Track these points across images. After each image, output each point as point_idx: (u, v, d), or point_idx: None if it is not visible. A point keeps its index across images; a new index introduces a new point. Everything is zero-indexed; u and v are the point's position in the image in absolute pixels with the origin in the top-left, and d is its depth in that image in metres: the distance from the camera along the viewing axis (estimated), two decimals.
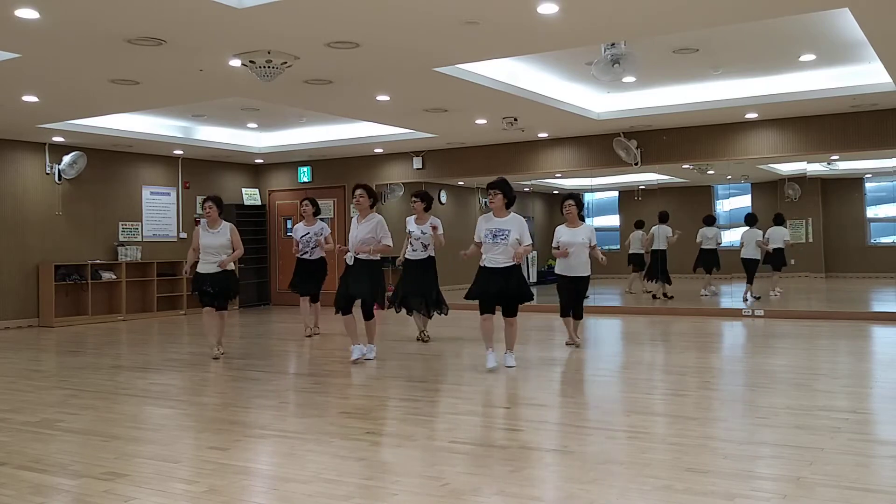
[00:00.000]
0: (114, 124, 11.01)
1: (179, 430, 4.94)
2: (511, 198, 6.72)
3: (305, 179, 14.45)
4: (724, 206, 14.22)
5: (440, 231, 8.23)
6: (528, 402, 5.64)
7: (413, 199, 8.55)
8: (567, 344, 7.99)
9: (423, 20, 6.00)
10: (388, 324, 9.85)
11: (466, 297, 6.79)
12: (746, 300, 11.93)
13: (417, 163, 13.40)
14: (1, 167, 11.20)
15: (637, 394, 5.82)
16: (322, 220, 9.60)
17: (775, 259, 12.38)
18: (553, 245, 7.83)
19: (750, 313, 10.78)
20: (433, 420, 5.08)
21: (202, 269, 7.63)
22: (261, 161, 14.40)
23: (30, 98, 8.58)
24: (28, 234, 11.46)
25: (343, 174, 13.91)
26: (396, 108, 9.72)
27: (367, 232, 7.21)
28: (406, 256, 8.46)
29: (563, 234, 7.77)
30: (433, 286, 8.38)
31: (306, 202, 9.27)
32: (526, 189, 14.63)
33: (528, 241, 6.64)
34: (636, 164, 11.61)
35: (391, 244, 7.31)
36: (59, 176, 11.77)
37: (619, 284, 14.18)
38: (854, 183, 13.63)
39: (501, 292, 6.60)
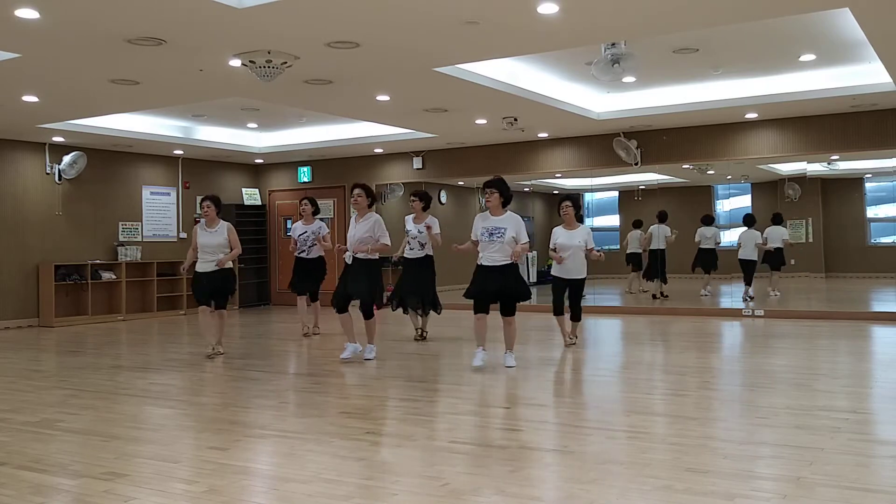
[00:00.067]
0: (114, 124, 11.01)
1: (179, 430, 4.94)
2: (507, 197, 6.73)
3: (305, 179, 14.45)
4: (724, 206, 14.22)
5: (434, 230, 8.28)
6: (528, 402, 5.64)
7: (412, 198, 8.61)
8: (567, 345, 7.99)
9: (423, 20, 6.00)
10: (388, 324, 9.85)
11: (465, 296, 6.81)
12: (746, 300, 11.94)
13: (417, 163, 13.40)
14: (1, 167, 11.20)
15: (637, 394, 5.82)
16: (322, 219, 9.62)
17: (774, 259, 12.37)
18: (550, 246, 7.87)
19: (750, 313, 10.77)
20: (433, 420, 5.08)
21: (200, 268, 7.69)
22: (261, 161, 14.40)
23: (30, 98, 8.58)
24: (28, 234, 11.46)
25: (343, 174, 13.90)
26: (396, 108, 9.72)
27: (364, 231, 7.23)
28: (405, 255, 8.52)
29: (559, 235, 7.81)
30: (430, 285, 8.44)
31: (305, 201, 9.30)
32: (526, 189, 14.64)
33: (524, 239, 6.65)
34: (636, 164, 11.61)
35: (389, 243, 7.33)
36: (59, 176, 11.77)
37: (619, 284, 14.18)
38: (854, 183, 13.63)
39: (499, 290, 6.61)
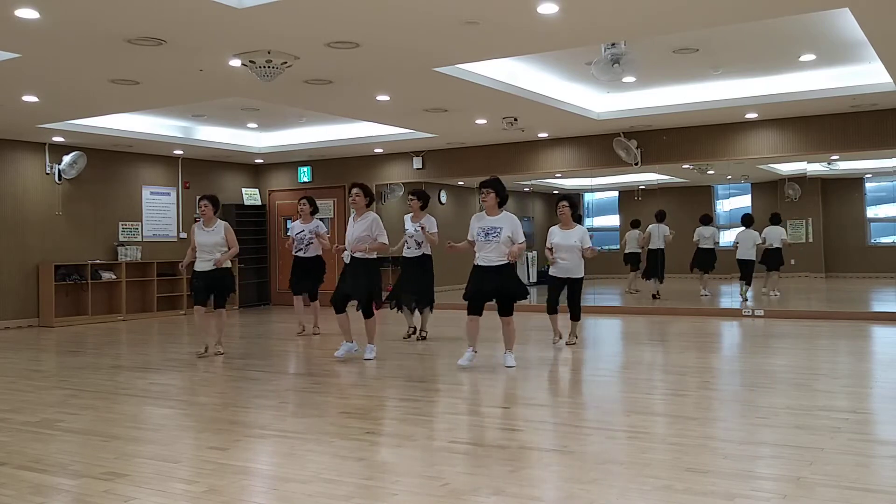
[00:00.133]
0: (114, 124, 11.01)
1: (179, 430, 4.94)
2: (504, 196, 6.74)
3: (305, 179, 14.44)
4: (724, 206, 14.21)
5: (429, 229, 8.33)
6: (528, 401, 5.64)
7: (410, 197, 8.66)
8: (569, 343, 7.99)
9: (423, 20, 6.00)
10: (388, 324, 9.85)
11: (464, 298, 6.81)
12: (745, 300, 11.94)
13: (417, 163, 13.40)
14: (1, 167, 11.20)
15: (637, 394, 5.82)
16: (321, 220, 9.64)
17: (772, 259, 12.36)
18: (546, 246, 7.93)
19: (750, 313, 10.77)
20: (433, 420, 5.08)
21: (198, 267, 7.76)
22: (261, 161, 14.40)
23: (30, 98, 8.58)
24: (28, 234, 11.46)
25: (343, 174, 13.90)
26: (396, 108, 9.72)
27: (362, 230, 7.25)
28: (403, 255, 8.57)
29: (555, 235, 7.88)
30: (426, 284, 8.48)
31: (304, 201, 9.33)
32: (526, 189, 14.64)
33: (521, 239, 6.66)
34: (636, 164, 11.61)
35: (387, 242, 7.34)
36: (59, 176, 11.77)
37: (619, 284, 14.17)
38: (854, 183, 13.62)
39: (495, 291, 6.63)
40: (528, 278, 15.56)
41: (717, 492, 3.37)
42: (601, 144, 11.83)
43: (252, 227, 14.55)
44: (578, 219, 8.40)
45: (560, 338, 8.04)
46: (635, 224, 13.59)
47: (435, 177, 13.55)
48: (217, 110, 10.77)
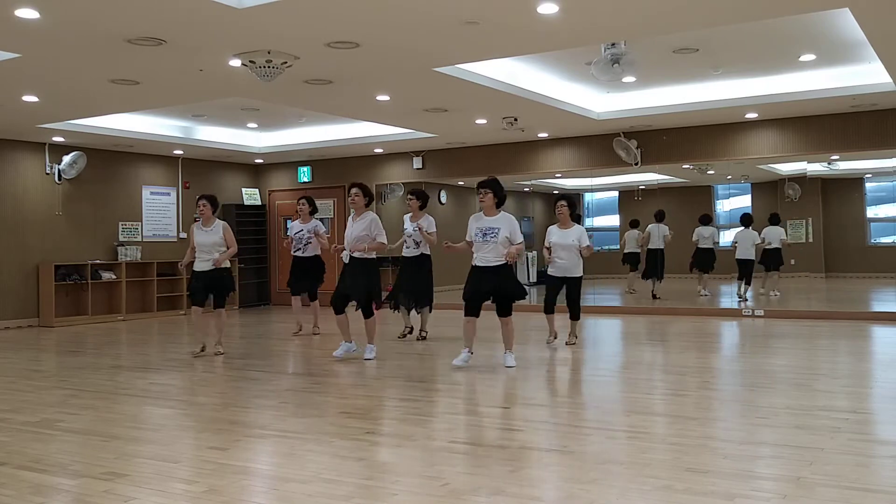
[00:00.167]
0: (114, 124, 11.01)
1: (179, 430, 4.94)
2: (501, 197, 6.74)
3: (305, 179, 14.44)
4: (724, 206, 14.21)
5: (427, 229, 8.34)
6: (528, 401, 5.64)
7: (409, 197, 8.65)
8: (568, 343, 7.99)
9: (423, 20, 6.00)
10: (388, 324, 9.85)
11: (463, 298, 6.81)
12: (745, 300, 11.94)
13: (417, 163, 13.40)
14: (1, 167, 11.20)
15: (637, 394, 5.82)
16: (321, 219, 9.65)
17: (771, 259, 12.36)
18: (545, 245, 7.95)
19: (750, 313, 10.77)
20: (433, 420, 5.08)
21: (197, 266, 7.79)
22: (261, 161, 14.40)
23: (30, 98, 8.58)
24: (28, 234, 11.46)
25: (343, 174, 13.90)
26: (396, 108, 9.72)
27: (361, 230, 7.26)
28: (402, 254, 8.58)
29: (553, 234, 7.90)
30: (425, 284, 8.49)
31: (303, 200, 9.33)
32: (526, 189, 14.63)
33: (519, 239, 6.66)
34: (636, 164, 11.61)
35: (385, 241, 7.35)
36: (59, 176, 11.77)
37: (619, 284, 14.17)
38: (854, 183, 13.63)
39: (493, 291, 6.64)
40: (528, 278, 15.56)
41: (717, 492, 3.37)
42: (601, 144, 11.84)
43: (252, 227, 14.56)
44: (577, 218, 8.41)
45: (555, 337, 8.05)
46: (634, 224, 13.59)
47: (435, 177, 13.55)
48: (217, 110, 10.77)
